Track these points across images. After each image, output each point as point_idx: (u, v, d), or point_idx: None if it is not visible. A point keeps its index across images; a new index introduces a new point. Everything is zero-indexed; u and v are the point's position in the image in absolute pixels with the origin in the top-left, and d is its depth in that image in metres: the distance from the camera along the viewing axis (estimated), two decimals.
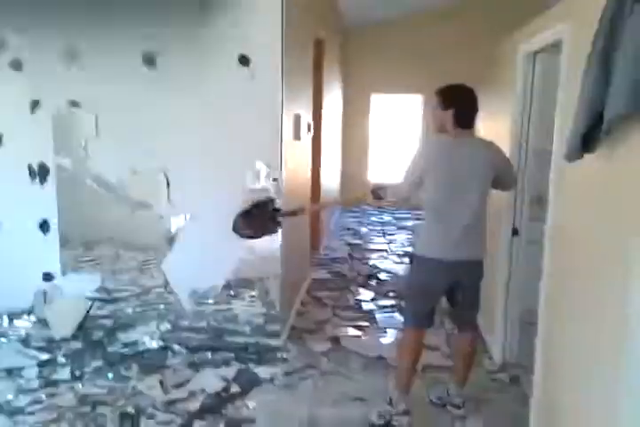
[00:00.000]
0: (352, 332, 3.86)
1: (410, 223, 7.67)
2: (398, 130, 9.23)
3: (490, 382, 3.16)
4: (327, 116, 6.10)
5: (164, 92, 3.48)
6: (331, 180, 7.11)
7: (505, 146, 3.25)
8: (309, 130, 4.79)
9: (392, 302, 4.48)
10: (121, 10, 3.45)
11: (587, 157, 1.75)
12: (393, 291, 4.72)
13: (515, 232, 3.21)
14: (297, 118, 4.04)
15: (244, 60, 3.36)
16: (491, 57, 4.05)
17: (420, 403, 2.93)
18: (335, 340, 3.71)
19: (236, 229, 3.33)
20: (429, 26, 8.42)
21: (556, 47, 2.47)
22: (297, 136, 4.06)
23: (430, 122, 2.82)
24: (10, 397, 2.92)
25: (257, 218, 3.32)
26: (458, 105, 2.62)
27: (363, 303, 4.43)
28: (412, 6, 8.01)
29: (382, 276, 5.19)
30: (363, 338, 3.78)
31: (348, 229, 7.30)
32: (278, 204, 3.39)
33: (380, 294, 4.67)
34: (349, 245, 6.43)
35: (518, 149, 3.13)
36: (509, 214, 3.21)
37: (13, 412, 2.78)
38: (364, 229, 7.30)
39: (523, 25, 3.10)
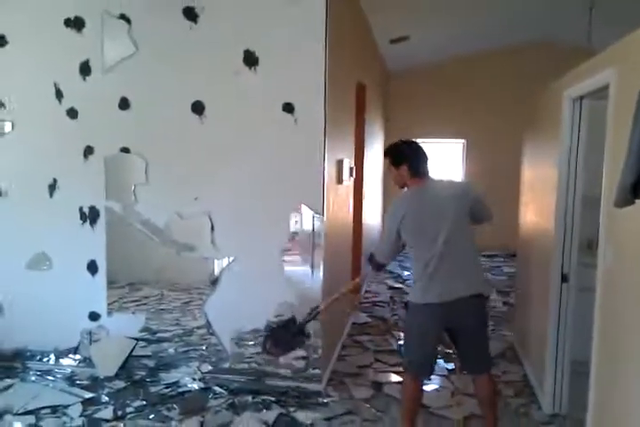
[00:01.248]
0: (394, 378, 3.78)
1: None
2: (440, 174, 9.24)
3: None
4: (369, 160, 6.18)
5: (210, 140, 3.61)
6: (373, 222, 7.12)
7: (552, 191, 3.23)
8: (351, 174, 4.85)
9: None
10: (170, 62, 3.63)
11: (638, 202, 1.73)
12: None
13: (564, 279, 3.13)
14: (339, 163, 4.11)
15: (288, 108, 3.47)
16: (536, 102, 4.07)
17: None
18: (377, 385, 3.63)
19: (265, 350, 3.50)
20: (471, 70, 8.53)
21: (602, 92, 2.48)
22: (339, 180, 4.12)
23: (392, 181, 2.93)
24: None
25: (283, 337, 3.46)
26: (406, 159, 2.78)
27: None
28: (453, 51, 8.14)
29: None
30: None
31: (390, 272, 7.24)
32: (300, 318, 3.43)
33: None
34: (391, 288, 6.36)
35: (565, 195, 3.10)
36: (558, 260, 3.15)
37: None
38: (405, 273, 7.22)
39: (570, 69, 3.12)
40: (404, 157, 2.78)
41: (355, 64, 5.06)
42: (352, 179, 4.97)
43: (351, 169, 4.81)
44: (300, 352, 3.66)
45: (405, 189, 2.84)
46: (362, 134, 5.61)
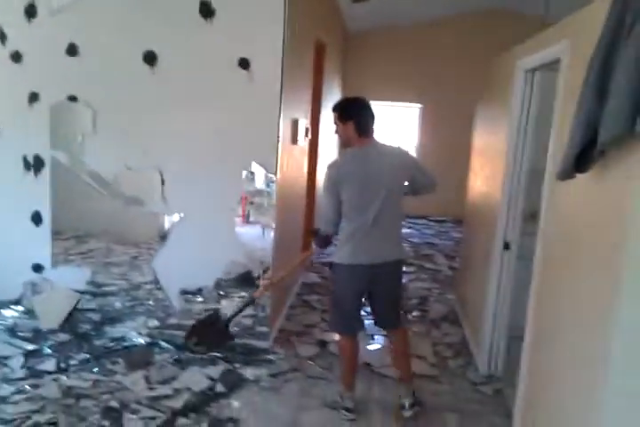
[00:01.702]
0: (339, 337, 3.87)
1: (403, 230, 7.70)
2: (394, 138, 9.27)
3: (473, 394, 3.18)
4: (325, 121, 6.13)
5: (162, 92, 3.51)
6: None
7: (501, 161, 3.30)
8: (307, 135, 4.81)
9: None
10: (123, 9, 3.48)
11: (579, 176, 1.79)
12: None
13: (506, 246, 3.24)
14: (295, 123, 4.07)
15: (243, 63, 3.39)
16: (490, 71, 4.10)
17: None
18: (322, 344, 3.73)
19: (188, 349, 3.37)
20: (431, 35, 8.46)
21: (553, 65, 2.51)
22: (294, 140, 4.08)
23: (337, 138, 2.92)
24: None
25: (209, 332, 3.28)
26: (355, 115, 2.76)
27: None
28: (415, 14, 8.05)
29: None
30: None
31: None
32: (224, 315, 3.31)
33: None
34: None
35: (513, 165, 3.17)
36: (501, 228, 3.25)
37: None
38: None
39: (522, 41, 3.14)
40: (352, 114, 2.76)
41: (315, 22, 4.95)
42: (307, 139, 4.93)
43: (307, 129, 4.77)
44: (249, 311, 3.70)
45: (347, 149, 2.83)
46: (319, 94, 5.53)
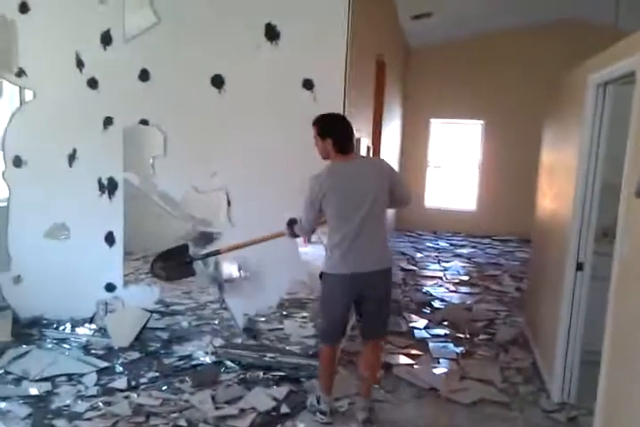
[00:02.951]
0: (404, 360, 3.81)
1: (466, 251, 7.55)
2: (457, 155, 9.15)
3: (546, 422, 3.04)
4: (386, 139, 6.13)
5: (229, 114, 3.61)
6: None
7: (572, 178, 3.19)
8: (368, 152, 4.82)
9: (446, 331, 4.40)
10: (191, 34, 3.63)
11: None
12: (447, 320, 4.64)
13: (579, 267, 3.11)
14: (356, 142, 4.07)
15: (307, 84, 3.46)
16: (559, 85, 3.99)
17: None
18: (387, 367, 3.66)
19: (152, 271, 3.59)
20: (493, 48, 8.36)
21: (628, 78, 2.42)
22: None
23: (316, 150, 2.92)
24: (69, 402, 3.03)
25: (173, 263, 3.55)
26: (333, 134, 2.80)
27: (416, 331, 4.37)
28: (477, 27, 7.96)
29: (436, 304, 5.12)
30: (415, 367, 3.71)
31: (403, 253, 7.25)
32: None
33: (434, 322, 4.60)
34: (403, 270, 6.38)
35: (585, 182, 3.05)
36: (574, 248, 3.12)
37: (73, 417, 2.87)
38: (418, 255, 7.23)
39: (595, 51, 3.05)
40: (331, 131, 2.80)
41: (376, 40, 4.99)
42: None
43: (368, 148, 4.78)
44: (310, 331, 3.71)
45: (329, 163, 2.86)
46: (380, 113, 5.55)
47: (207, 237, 3.77)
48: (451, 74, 8.59)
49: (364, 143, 4.39)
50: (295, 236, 3.12)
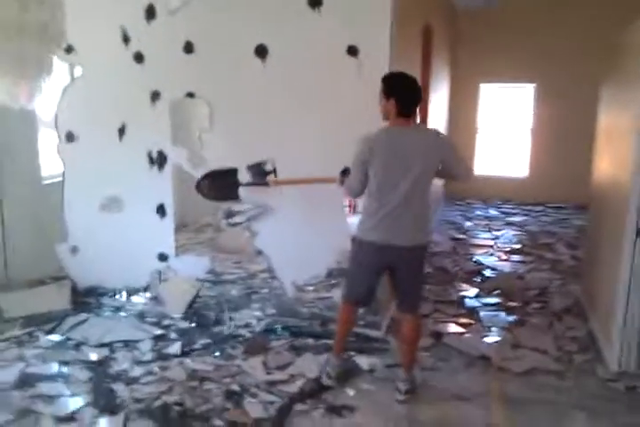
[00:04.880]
0: (454, 328, 3.77)
1: (518, 219, 7.35)
2: (508, 121, 8.84)
3: (603, 391, 2.97)
4: (434, 105, 5.97)
5: (273, 84, 3.56)
6: None
7: (631, 140, 3.02)
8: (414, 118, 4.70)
9: (497, 299, 4.32)
10: (233, 4, 3.58)
11: None
12: (498, 289, 4.55)
13: (638, 233, 2.98)
14: None
15: (352, 51, 3.37)
16: (615, 44, 3.75)
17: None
18: (437, 335, 3.63)
19: (198, 187, 3.70)
20: (545, 7, 7.91)
21: None
22: None
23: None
24: (126, 366, 3.14)
25: (221, 183, 3.67)
26: (399, 94, 2.71)
27: (466, 300, 4.31)
28: None
29: (487, 273, 5.02)
30: (466, 335, 3.67)
31: (452, 223, 7.12)
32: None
33: (485, 291, 4.52)
34: (453, 239, 6.27)
35: None
36: (633, 213, 2.98)
37: (130, 381, 2.98)
38: (468, 224, 7.09)
39: None
40: (397, 91, 2.72)
41: (423, 5, 4.80)
42: None
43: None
44: None
45: (385, 125, 2.81)
46: (427, 78, 5.39)
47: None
48: (501, 37, 8.18)
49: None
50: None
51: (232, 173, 3.65)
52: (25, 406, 2.75)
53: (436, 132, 2.85)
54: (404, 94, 2.72)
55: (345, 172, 3.03)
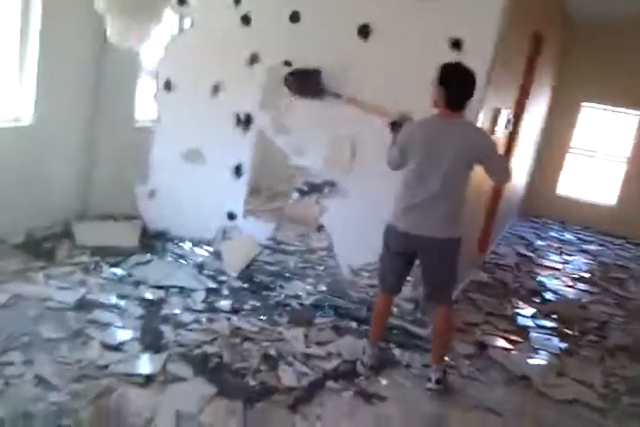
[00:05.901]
0: (501, 343, 3.68)
1: (593, 247, 7.03)
2: (606, 146, 8.39)
3: None
4: (529, 115, 5.73)
5: (372, 66, 3.52)
6: (517, 182, 6.72)
7: None
8: (507, 127, 4.54)
9: (552, 324, 4.17)
10: None
11: None
12: (556, 313, 4.39)
13: None
14: (496, 111, 3.87)
15: (456, 44, 3.30)
16: None
17: None
18: (481, 346, 3.56)
19: (287, 81, 3.68)
20: None
21: None
22: (492, 130, 3.89)
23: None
24: (177, 311, 3.27)
25: (303, 80, 3.63)
26: (450, 85, 2.69)
27: (520, 318, 4.19)
28: None
29: (548, 295, 4.85)
30: (512, 352, 3.57)
31: (522, 238, 6.90)
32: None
33: (542, 313, 4.37)
34: (519, 255, 6.08)
35: None
36: None
37: (178, 325, 3.11)
38: (539, 242, 6.85)
39: None
40: (449, 81, 2.70)
41: (535, 12, 4.59)
42: (507, 131, 4.66)
43: (508, 121, 4.50)
44: (409, 293, 3.64)
45: (431, 115, 2.81)
46: (528, 88, 5.18)
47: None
48: (613, 55, 7.61)
49: (504, 114, 4.12)
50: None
51: (316, 73, 3.63)
52: (79, 327, 2.93)
53: (475, 129, 2.85)
54: (455, 87, 2.70)
55: (394, 124, 3.06)
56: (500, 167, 2.86)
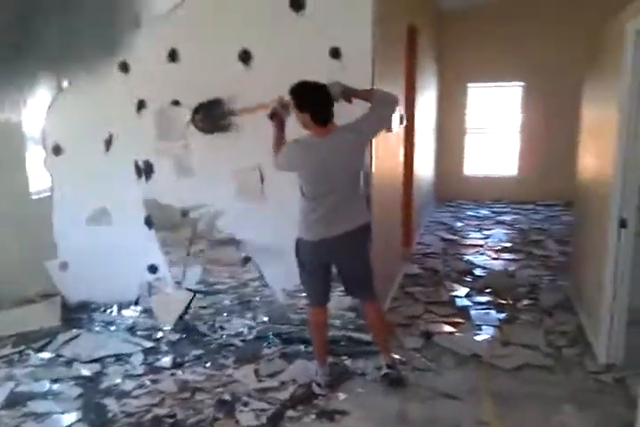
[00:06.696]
0: (445, 328, 3.78)
1: (509, 217, 7.37)
2: (497, 121, 8.86)
3: (592, 384, 2.98)
4: (421, 106, 5.98)
5: (257, 89, 3.52)
6: (425, 172, 6.97)
7: (613, 134, 3.05)
8: (402, 122, 4.71)
9: (488, 298, 4.33)
10: (216, 10, 3.58)
11: None
12: (489, 287, 4.56)
13: (622, 224, 3.00)
14: None
15: (335, 53, 3.38)
16: (598, 37, 3.77)
17: None
18: (427, 335, 3.64)
19: (193, 121, 3.68)
20: (530, 6, 7.92)
21: None
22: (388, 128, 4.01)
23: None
24: (118, 381, 3.14)
25: (210, 114, 3.64)
26: (311, 107, 2.76)
27: (457, 299, 4.32)
28: None
29: (478, 272, 5.03)
30: (456, 335, 3.68)
31: (443, 224, 7.14)
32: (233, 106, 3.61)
33: (476, 290, 4.53)
34: (443, 240, 6.29)
35: (626, 137, 2.92)
36: (617, 205, 3.00)
37: (121, 395, 2.98)
38: (459, 224, 7.11)
39: (631, 1, 2.87)
40: (308, 104, 2.76)
41: (405, 5, 4.82)
42: (402, 126, 4.83)
43: (401, 116, 4.67)
44: (349, 302, 3.69)
45: (305, 135, 2.86)
46: (413, 80, 5.40)
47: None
48: (486, 37, 8.16)
49: (397, 111, 4.28)
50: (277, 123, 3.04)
51: (218, 102, 3.62)
52: (15, 425, 2.74)
53: (347, 125, 2.84)
54: (312, 106, 2.77)
55: (274, 115, 3.00)
56: (374, 101, 2.90)
